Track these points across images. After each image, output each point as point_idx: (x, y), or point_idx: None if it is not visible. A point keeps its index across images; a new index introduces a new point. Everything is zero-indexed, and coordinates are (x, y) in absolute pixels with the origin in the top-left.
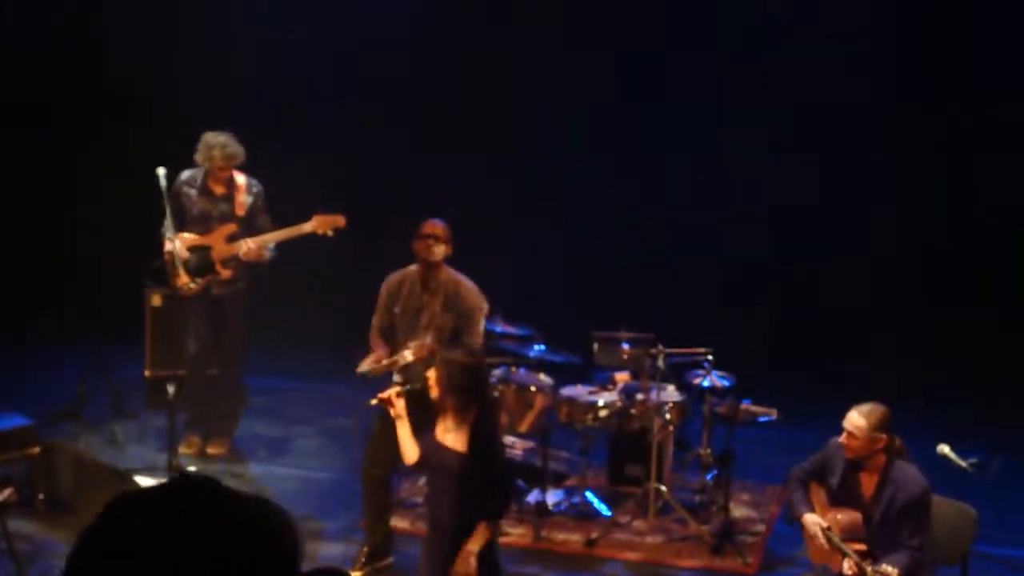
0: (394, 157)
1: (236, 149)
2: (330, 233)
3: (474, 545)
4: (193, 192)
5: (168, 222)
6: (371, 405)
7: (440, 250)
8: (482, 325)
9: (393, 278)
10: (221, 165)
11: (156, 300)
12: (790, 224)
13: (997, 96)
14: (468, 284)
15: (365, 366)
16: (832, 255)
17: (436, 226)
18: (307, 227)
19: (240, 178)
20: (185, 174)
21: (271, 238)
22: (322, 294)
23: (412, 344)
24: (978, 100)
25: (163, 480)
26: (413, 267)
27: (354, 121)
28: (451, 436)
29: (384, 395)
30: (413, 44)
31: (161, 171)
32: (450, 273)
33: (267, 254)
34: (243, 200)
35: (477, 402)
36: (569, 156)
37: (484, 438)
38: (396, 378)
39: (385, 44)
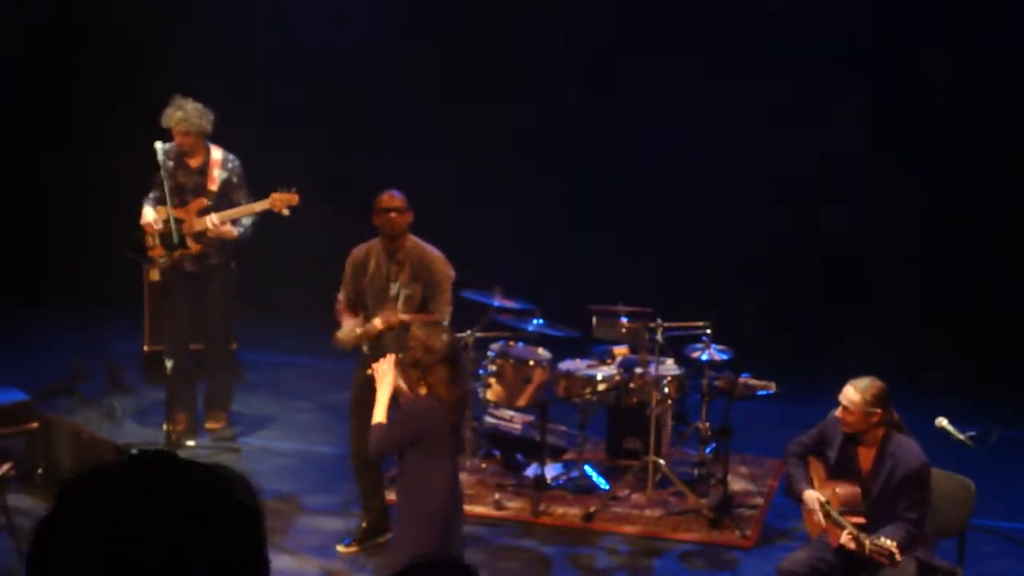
0: (394, 156)
1: (189, 116)
2: (285, 212)
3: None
4: (171, 164)
5: (162, 194)
6: (368, 375)
7: (402, 220)
8: (449, 293)
9: (358, 251)
10: (170, 125)
11: (154, 275)
12: (793, 205)
13: (997, 95)
14: (433, 252)
15: (341, 335)
16: (833, 237)
17: (394, 198)
18: (263, 205)
19: (216, 153)
20: (167, 145)
21: (229, 215)
22: (321, 271)
23: (382, 313)
24: (977, 99)
25: (118, 458)
26: (377, 240)
27: (353, 120)
28: None
29: (378, 364)
30: (413, 44)
31: (159, 145)
32: (415, 242)
33: (235, 231)
34: (216, 175)
35: (426, 381)
36: (566, 147)
37: None
38: (366, 350)
39: (384, 44)
